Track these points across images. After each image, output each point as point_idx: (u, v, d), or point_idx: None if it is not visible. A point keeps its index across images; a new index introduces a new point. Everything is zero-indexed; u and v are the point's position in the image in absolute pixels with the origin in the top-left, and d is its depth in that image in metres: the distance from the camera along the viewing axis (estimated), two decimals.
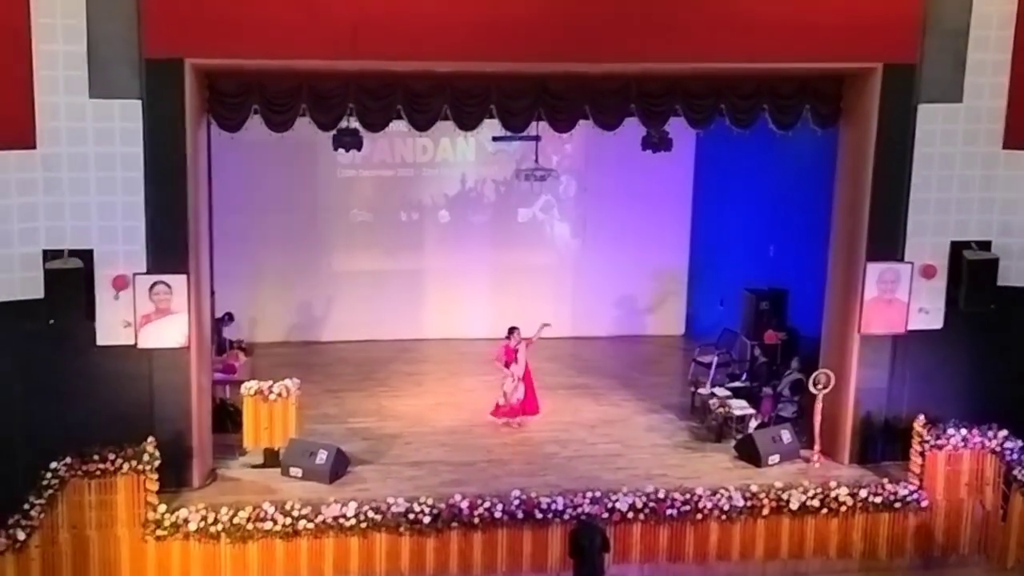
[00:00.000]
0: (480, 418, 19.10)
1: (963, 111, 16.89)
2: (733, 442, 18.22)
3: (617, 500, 15.95)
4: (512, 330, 18.91)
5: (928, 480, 16.63)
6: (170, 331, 16.02)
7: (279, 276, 22.41)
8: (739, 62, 16.42)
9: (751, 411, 18.65)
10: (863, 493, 16.44)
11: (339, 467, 17.01)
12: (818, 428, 17.61)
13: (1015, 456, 16.45)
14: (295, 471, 16.89)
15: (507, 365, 18.89)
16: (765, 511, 16.19)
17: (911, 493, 16.56)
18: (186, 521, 15.42)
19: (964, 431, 16.60)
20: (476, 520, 15.73)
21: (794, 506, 16.20)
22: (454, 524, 15.72)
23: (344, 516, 15.59)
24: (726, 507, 16.11)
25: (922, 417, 16.73)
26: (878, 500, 16.45)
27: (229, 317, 20.40)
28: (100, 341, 15.97)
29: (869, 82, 16.79)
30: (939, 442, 16.55)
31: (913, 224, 17.08)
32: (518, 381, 18.90)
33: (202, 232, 16.75)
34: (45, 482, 15.04)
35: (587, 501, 15.91)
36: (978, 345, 17.41)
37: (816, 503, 16.27)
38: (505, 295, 22.73)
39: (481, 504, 15.82)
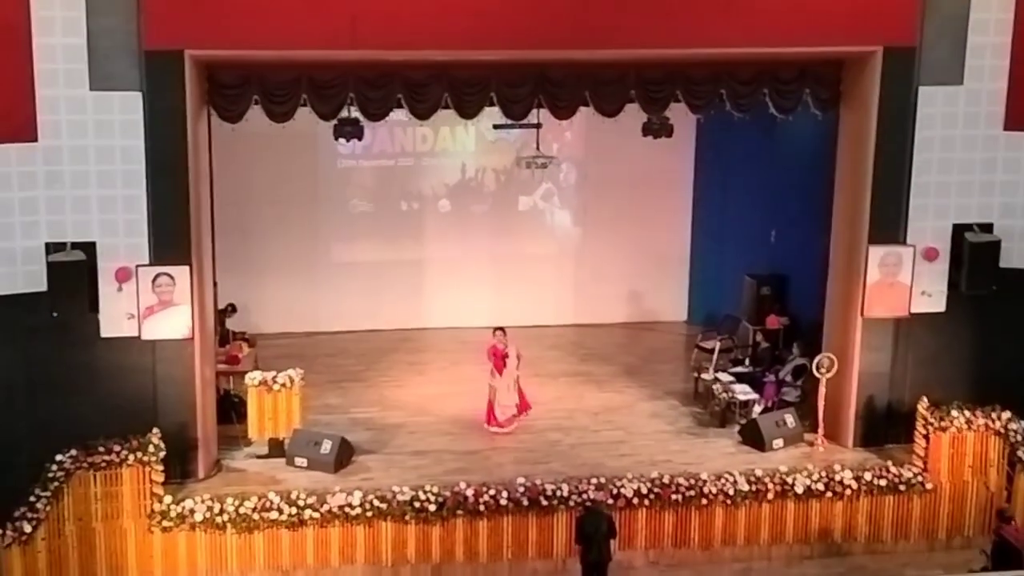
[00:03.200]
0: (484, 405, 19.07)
1: (963, 94, 16.88)
2: (737, 427, 18.26)
3: (622, 486, 15.97)
4: (500, 331, 18.49)
5: (932, 463, 16.64)
6: (173, 323, 16.03)
7: (281, 267, 22.39)
8: (739, 47, 16.40)
9: (754, 396, 18.69)
10: (867, 476, 16.46)
11: (344, 457, 17.05)
12: (822, 412, 17.65)
13: (1019, 437, 16.47)
14: (300, 461, 16.92)
15: (498, 369, 18.33)
16: (770, 495, 16.20)
17: (915, 476, 16.58)
18: (192, 512, 15.45)
19: (968, 413, 16.62)
20: (481, 508, 15.75)
21: (799, 490, 16.22)
22: (459, 512, 15.73)
23: (350, 505, 15.61)
24: (731, 492, 16.12)
25: (925, 400, 16.76)
26: (882, 483, 16.46)
27: (232, 308, 20.38)
28: (104, 333, 15.98)
29: (869, 66, 16.77)
30: (943, 424, 16.57)
31: (915, 207, 17.08)
32: (510, 388, 18.37)
33: (204, 223, 16.76)
34: (51, 474, 15.04)
35: (592, 487, 15.92)
36: (980, 327, 17.43)
37: (821, 487, 16.29)
38: (506, 284, 22.77)
39: (486, 492, 15.83)
